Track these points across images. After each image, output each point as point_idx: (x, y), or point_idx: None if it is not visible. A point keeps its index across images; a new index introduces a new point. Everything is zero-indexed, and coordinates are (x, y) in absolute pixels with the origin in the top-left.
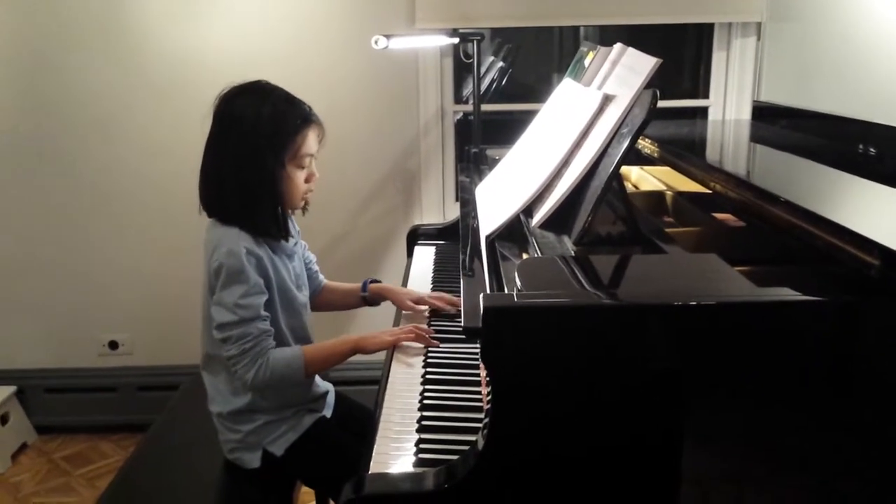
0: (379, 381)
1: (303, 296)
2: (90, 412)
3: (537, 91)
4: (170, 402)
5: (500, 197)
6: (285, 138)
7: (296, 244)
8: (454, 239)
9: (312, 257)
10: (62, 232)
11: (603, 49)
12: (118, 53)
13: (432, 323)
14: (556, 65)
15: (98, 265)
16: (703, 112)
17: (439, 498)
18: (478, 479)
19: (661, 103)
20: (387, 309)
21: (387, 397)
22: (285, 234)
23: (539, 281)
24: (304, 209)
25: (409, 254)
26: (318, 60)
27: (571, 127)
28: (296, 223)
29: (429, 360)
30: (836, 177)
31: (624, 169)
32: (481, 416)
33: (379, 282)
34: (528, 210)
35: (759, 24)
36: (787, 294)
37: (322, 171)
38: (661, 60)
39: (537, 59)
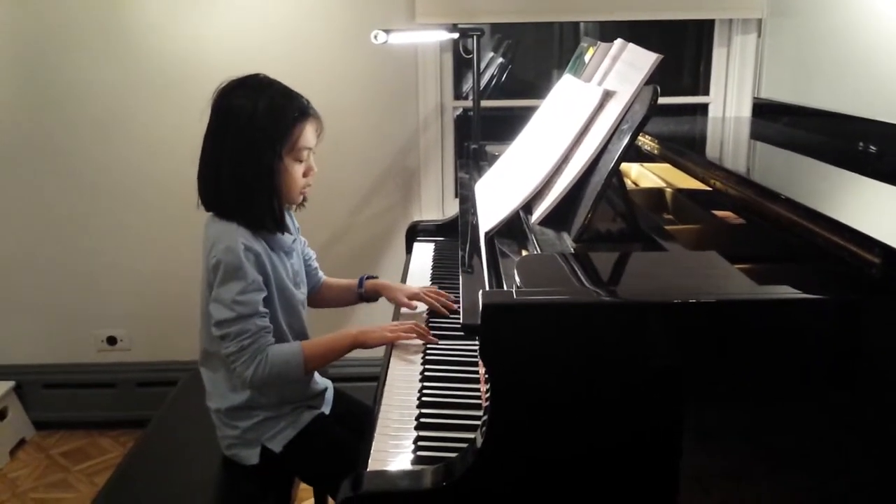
0: (377, 378)
1: (301, 293)
2: (88, 408)
3: (537, 87)
4: (168, 398)
5: (499, 193)
6: (283, 131)
7: (294, 241)
8: (453, 235)
9: (312, 254)
10: (61, 229)
11: (603, 45)
12: (118, 52)
13: (431, 320)
14: (557, 61)
15: (96, 261)
16: (703, 109)
17: (438, 495)
18: (476, 477)
19: (662, 100)
20: (384, 305)
21: (385, 394)
22: (282, 227)
23: (538, 278)
24: (301, 204)
25: (409, 250)
26: (318, 56)
27: (571, 123)
28: (295, 220)
29: (428, 357)
30: (837, 174)
31: (624, 166)
32: (480, 413)
33: (375, 278)
34: (528, 206)
35: (759, 21)
36: (787, 292)
37: (321, 166)
38: (661, 56)
39: (537, 55)
